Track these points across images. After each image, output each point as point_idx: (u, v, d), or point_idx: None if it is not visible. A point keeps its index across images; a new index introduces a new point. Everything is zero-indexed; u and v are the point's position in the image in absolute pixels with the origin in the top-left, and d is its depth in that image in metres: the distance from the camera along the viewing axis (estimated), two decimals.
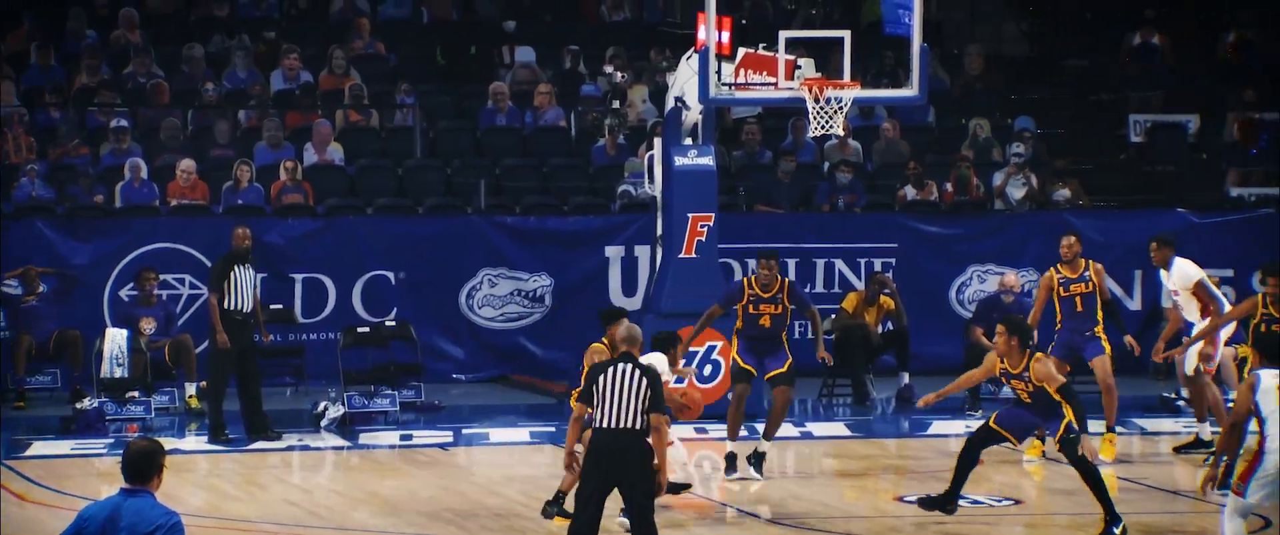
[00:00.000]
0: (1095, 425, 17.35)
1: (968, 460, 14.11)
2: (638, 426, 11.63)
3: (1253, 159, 24.17)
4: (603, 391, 11.65)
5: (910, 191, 23.08)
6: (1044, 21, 27.34)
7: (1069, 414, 13.73)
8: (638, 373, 11.68)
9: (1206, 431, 17.15)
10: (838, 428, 19.61)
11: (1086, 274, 17.15)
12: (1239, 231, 22.63)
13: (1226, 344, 16.94)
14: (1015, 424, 14.13)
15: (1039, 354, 13.99)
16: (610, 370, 11.69)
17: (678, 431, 14.80)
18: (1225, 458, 12.12)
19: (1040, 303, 17.33)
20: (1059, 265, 17.28)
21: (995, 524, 14.64)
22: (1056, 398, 13.74)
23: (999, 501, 15.30)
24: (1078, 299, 17.12)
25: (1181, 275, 16.94)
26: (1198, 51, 26.03)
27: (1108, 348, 17.10)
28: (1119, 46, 25.95)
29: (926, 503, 14.23)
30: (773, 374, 16.35)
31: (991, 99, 25.50)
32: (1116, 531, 13.87)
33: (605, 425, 11.65)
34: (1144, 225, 22.61)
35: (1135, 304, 22.74)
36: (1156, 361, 18.15)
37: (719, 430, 18.87)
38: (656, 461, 11.74)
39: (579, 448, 12.20)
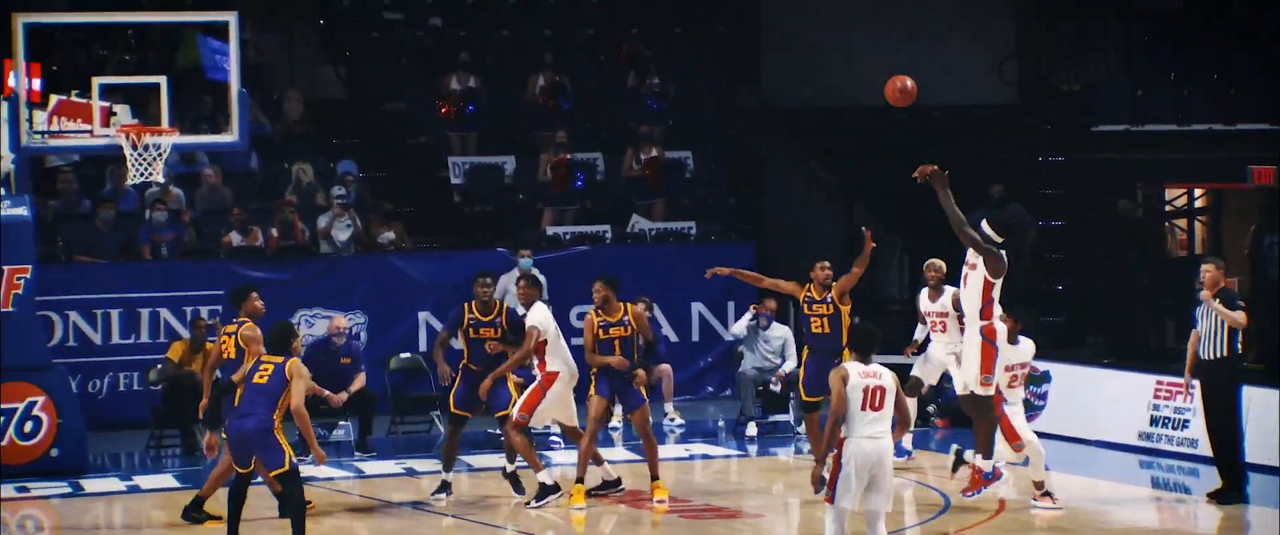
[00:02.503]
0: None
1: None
2: None
3: (567, 197, 24.97)
4: None
5: (236, 237, 22.91)
6: (360, 67, 27.61)
7: None
8: None
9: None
10: (167, 479, 19.26)
11: (625, 319, 16.85)
12: (556, 268, 23.38)
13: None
14: None
15: None
16: None
17: None
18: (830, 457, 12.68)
19: (588, 347, 16.79)
20: (596, 309, 16.83)
21: None
22: None
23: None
24: (616, 343, 16.77)
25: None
26: (511, 95, 26.76)
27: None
28: (435, 90, 26.42)
29: None
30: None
31: (313, 143, 25.59)
32: None
33: None
34: (467, 265, 23.11)
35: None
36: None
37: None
38: None
39: None
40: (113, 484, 18.85)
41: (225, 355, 16.11)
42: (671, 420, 22.10)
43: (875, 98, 28.27)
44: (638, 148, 25.47)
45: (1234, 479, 17.17)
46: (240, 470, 14.66)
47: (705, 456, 20.51)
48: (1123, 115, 24.58)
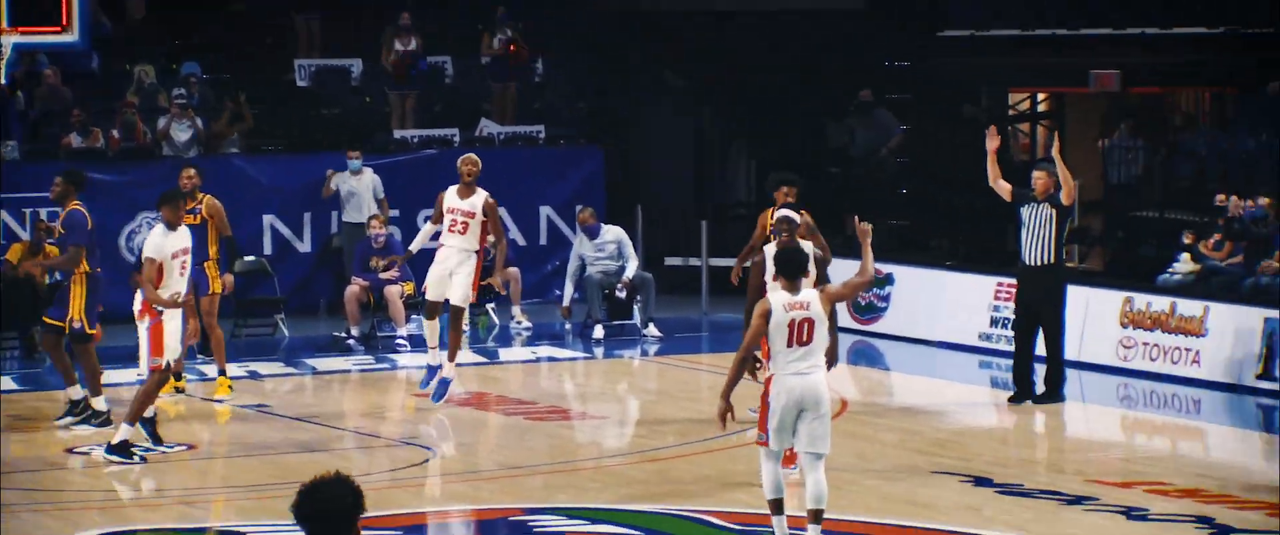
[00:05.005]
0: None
1: None
2: None
3: (412, 83, 24.77)
4: None
5: (76, 139, 22.59)
6: None
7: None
8: None
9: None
10: (6, 382, 19.04)
11: (197, 208, 17.50)
12: (403, 172, 23.31)
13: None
14: None
15: None
16: None
17: None
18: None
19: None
20: None
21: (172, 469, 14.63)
22: None
23: (173, 447, 15.30)
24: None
25: None
26: None
27: (217, 287, 17.47)
28: None
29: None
30: None
31: (157, 44, 25.23)
32: None
33: None
34: (313, 168, 22.98)
35: (305, 246, 23.09)
36: None
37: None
38: None
39: None
40: None
41: None
42: (519, 323, 22.11)
43: (728, 1, 28.41)
44: (492, 37, 25.37)
45: (1055, 379, 17.33)
46: None
47: (551, 359, 20.55)
48: (970, 20, 24.74)
